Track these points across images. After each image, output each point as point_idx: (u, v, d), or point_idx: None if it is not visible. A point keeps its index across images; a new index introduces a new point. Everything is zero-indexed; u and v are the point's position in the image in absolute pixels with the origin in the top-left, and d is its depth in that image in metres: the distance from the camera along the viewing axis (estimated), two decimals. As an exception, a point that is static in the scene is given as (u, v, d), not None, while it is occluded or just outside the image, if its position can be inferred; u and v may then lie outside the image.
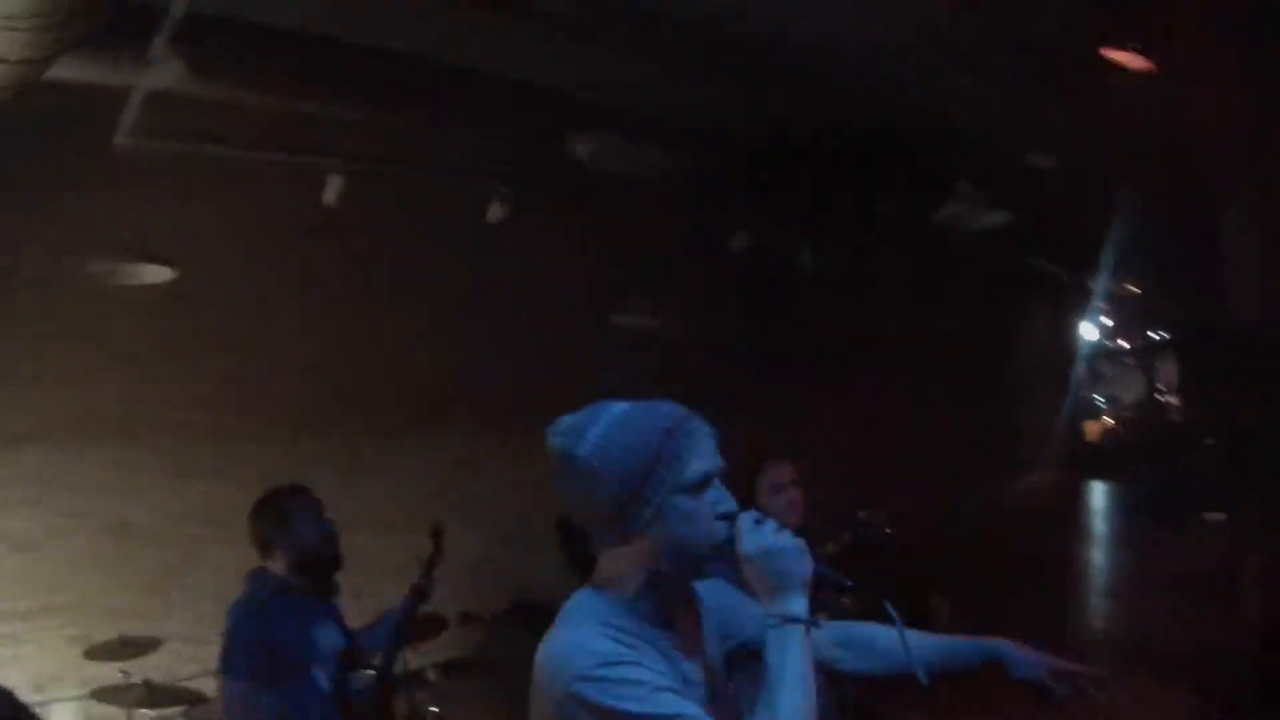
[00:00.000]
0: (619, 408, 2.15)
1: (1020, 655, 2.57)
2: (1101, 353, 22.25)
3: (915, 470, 13.68)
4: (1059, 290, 17.59)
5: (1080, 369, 19.57)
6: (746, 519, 2.12)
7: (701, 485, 2.09)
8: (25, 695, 7.05)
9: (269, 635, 3.92)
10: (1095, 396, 22.53)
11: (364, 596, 7.09)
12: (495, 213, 8.19)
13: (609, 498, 2.04)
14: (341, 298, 8.75)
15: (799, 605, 2.06)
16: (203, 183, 7.73)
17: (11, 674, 7.22)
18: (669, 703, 1.89)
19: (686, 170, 8.15)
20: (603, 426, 2.10)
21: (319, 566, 4.21)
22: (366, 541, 8.29)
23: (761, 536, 2.08)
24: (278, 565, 4.18)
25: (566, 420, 2.17)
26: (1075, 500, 17.74)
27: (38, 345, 7.33)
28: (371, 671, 4.71)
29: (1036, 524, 15.07)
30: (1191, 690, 7.11)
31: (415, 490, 9.23)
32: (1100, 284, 16.82)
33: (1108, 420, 21.95)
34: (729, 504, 2.13)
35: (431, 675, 6.50)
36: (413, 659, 6.43)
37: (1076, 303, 18.61)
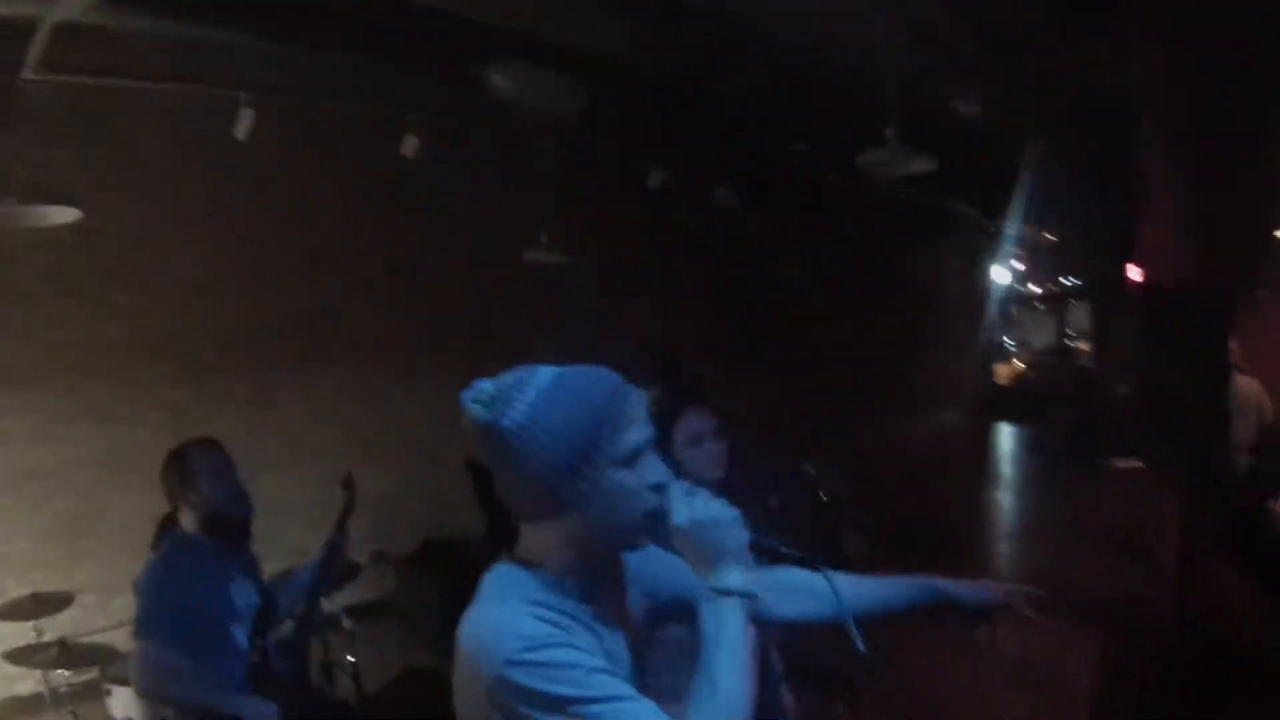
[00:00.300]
0: (548, 375, 2.00)
1: (962, 588, 2.64)
2: (1013, 297, 22.51)
3: (826, 411, 13.81)
4: (971, 234, 17.74)
5: (992, 312, 19.76)
6: (678, 490, 2.04)
7: (635, 457, 1.99)
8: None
9: (184, 596, 3.83)
10: (1006, 340, 22.81)
11: (275, 540, 7.04)
12: (409, 146, 8.06)
13: (538, 474, 1.93)
14: (248, 233, 8.64)
15: (734, 577, 2.01)
16: (108, 119, 7.56)
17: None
18: (603, 684, 1.82)
19: (601, 105, 8.04)
20: (532, 397, 1.95)
21: (229, 524, 4.11)
22: (275, 481, 8.23)
23: (694, 508, 2.01)
24: (188, 522, 4.08)
25: (488, 387, 2.00)
26: (985, 443, 17.94)
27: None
28: (289, 624, 4.64)
29: (946, 466, 15.27)
30: (1105, 636, 7.22)
31: (323, 427, 9.22)
32: (1013, 229, 17.00)
33: (1018, 364, 22.23)
34: (661, 474, 2.04)
35: (346, 622, 6.42)
36: (325, 604, 6.36)
37: (989, 247, 18.79)
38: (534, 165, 9.06)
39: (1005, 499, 13.91)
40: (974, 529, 11.72)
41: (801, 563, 2.23)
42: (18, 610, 5.95)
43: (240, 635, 4.03)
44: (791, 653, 3.83)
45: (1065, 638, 7.11)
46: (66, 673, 6.01)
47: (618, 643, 2.09)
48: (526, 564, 2.02)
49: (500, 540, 2.13)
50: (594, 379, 2.02)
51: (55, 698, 6.11)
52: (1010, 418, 19.10)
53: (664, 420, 3.37)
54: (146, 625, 3.80)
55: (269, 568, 4.58)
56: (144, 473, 7.75)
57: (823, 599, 2.30)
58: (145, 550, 4.31)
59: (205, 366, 8.50)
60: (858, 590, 2.55)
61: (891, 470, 13.38)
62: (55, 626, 6.13)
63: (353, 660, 6.39)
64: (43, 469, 7.69)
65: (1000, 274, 19.69)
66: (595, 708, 1.78)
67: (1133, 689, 5.94)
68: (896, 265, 16.04)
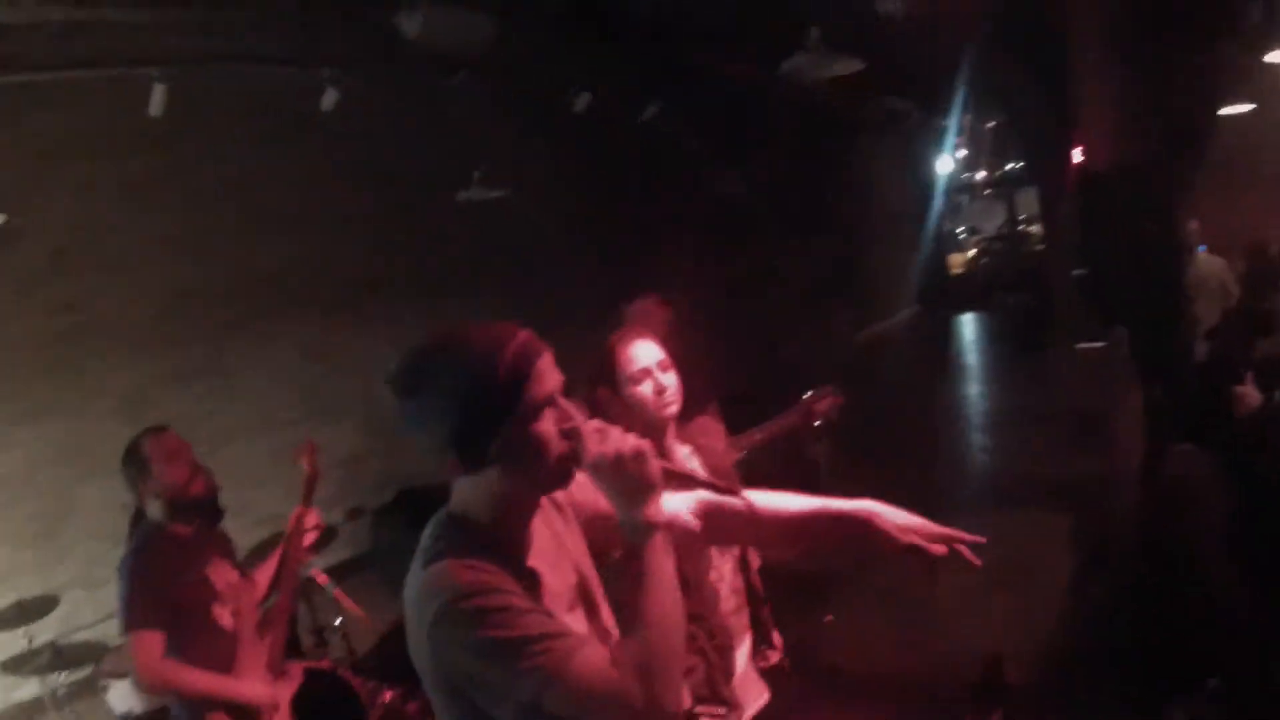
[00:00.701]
0: (451, 338, 2.02)
1: (892, 519, 2.51)
2: (959, 186, 22.50)
3: (781, 320, 13.85)
4: (911, 128, 17.70)
5: (939, 203, 19.71)
6: (590, 431, 2.04)
7: (544, 404, 1.99)
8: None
9: (162, 584, 3.82)
10: (957, 230, 22.81)
11: (248, 510, 7.02)
12: (329, 99, 7.94)
13: (450, 434, 1.95)
14: (178, 209, 8.49)
15: (651, 509, 2.03)
16: (17, 115, 7.44)
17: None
18: (532, 624, 1.84)
19: (515, 34, 7.93)
20: (437, 361, 1.99)
21: (192, 507, 4.08)
22: (240, 452, 8.22)
23: (601, 444, 2.02)
24: (154, 511, 4.06)
25: (400, 361, 2.04)
26: (945, 334, 17.95)
27: None
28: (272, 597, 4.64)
29: (907, 360, 15.35)
30: (1075, 521, 7.28)
31: (281, 391, 9.20)
32: (954, 119, 17.00)
33: (970, 252, 22.24)
34: (569, 418, 2.04)
35: (328, 587, 6.45)
36: (305, 570, 6.38)
37: (930, 139, 18.77)
38: (458, 104, 8.97)
39: (969, 389, 13.95)
40: (940, 422, 11.75)
41: (716, 490, 2.33)
42: (4, 619, 5.92)
43: (223, 615, 4.02)
44: (772, 571, 3.82)
45: (1040, 531, 7.20)
46: (62, 674, 5.98)
47: (558, 580, 2.12)
48: (458, 517, 2.06)
49: None
50: (493, 337, 2.00)
51: (55, 700, 6.09)
52: (967, 307, 19.13)
53: (607, 357, 3.33)
54: (131, 617, 3.79)
55: (245, 539, 4.58)
56: (107, 463, 7.75)
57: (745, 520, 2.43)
58: (120, 538, 4.28)
59: (154, 346, 8.41)
60: (790, 508, 2.52)
61: (854, 371, 13.48)
62: (45, 629, 6.11)
63: (340, 621, 6.43)
64: (8, 473, 7.63)
65: (945, 164, 19.64)
66: (529, 647, 1.80)
67: (1105, 573, 6.01)
68: (836, 167, 16.00)
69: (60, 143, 7.70)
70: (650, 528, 2.01)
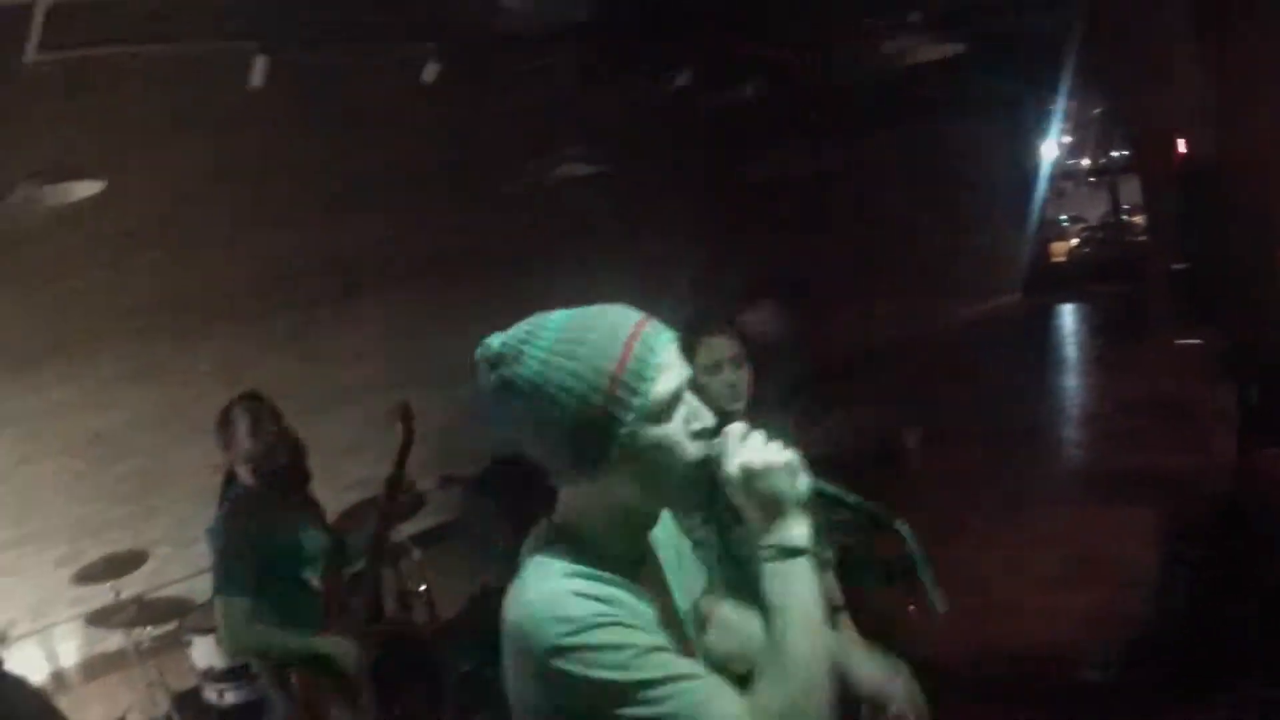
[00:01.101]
0: (558, 319, 1.73)
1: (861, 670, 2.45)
2: (1063, 172, 22.06)
3: (878, 299, 13.73)
4: (1016, 111, 17.42)
5: (1042, 189, 19.37)
6: (731, 434, 1.78)
7: (671, 405, 1.70)
8: (25, 622, 7.21)
9: (251, 548, 3.90)
10: (1060, 217, 22.33)
11: (337, 477, 7.10)
12: (430, 72, 7.92)
13: (561, 434, 1.67)
14: (270, 177, 8.59)
15: (798, 532, 1.76)
16: (117, 88, 7.57)
17: (9, 604, 7.31)
18: (657, 664, 1.60)
19: (610, 12, 7.89)
20: (544, 345, 1.69)
21: (279, 473, 4.12)
22: (330, 419, 8.32)
23: (749, 453, 1.75)
24: (244, 475, 4.11)
25: (495, 341, 1.75)
26: (1045, 323, 17.65)
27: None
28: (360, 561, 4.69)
29: (1006, 348, 15.13)
30: (1161, 516, 7.13)
31: (371, 362, 9.30)
32: (1059, 105, 16.70)
33: (1073, 241, 21.83)
34: (705, 417, 1.77)
35: (416, 552, 6.52)
36: (395, 535, 6.46)
37: (1035, 124, 18.44)
38: (553, 80, 8.97)
39: (1066, 380, 13.72)
40: (1034, 413, 11.56)
41: (871, 517, 1.97)
42: (94, 572, 6.04)
43: (312, 577, 4.06)
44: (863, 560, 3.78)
45: (1124, 526, 7.07)
46: (147, 628, 6.09)
47: (668, 605, 1.87)
48: (565, 531, 1.79)
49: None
50: (610, 319, 1.73)
51: (139, 653, 6.20)
52: (1068, 297, 18.80)
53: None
54: (220, 582, 3.89)
55: (333, 505, 4.62)
56: (200, 426, 7.90)
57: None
58: (211, 500, 4.35)
59: (248, 314, 8.60)
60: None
61: (951, 357, 13.31)
62: (132, 584, 6.23)
63: (425, 588, 6.48)
64: (107, 432, 7.85)
65: (1049, 150, 19.29)
66: (652, 691, 1.57)
67: (1188, 569, 5.88)
68: (938, 150, 15.79)
69: (159, 114, 7.83)
70: (794, 553, 1.74)
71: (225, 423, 4.12)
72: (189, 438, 7.83)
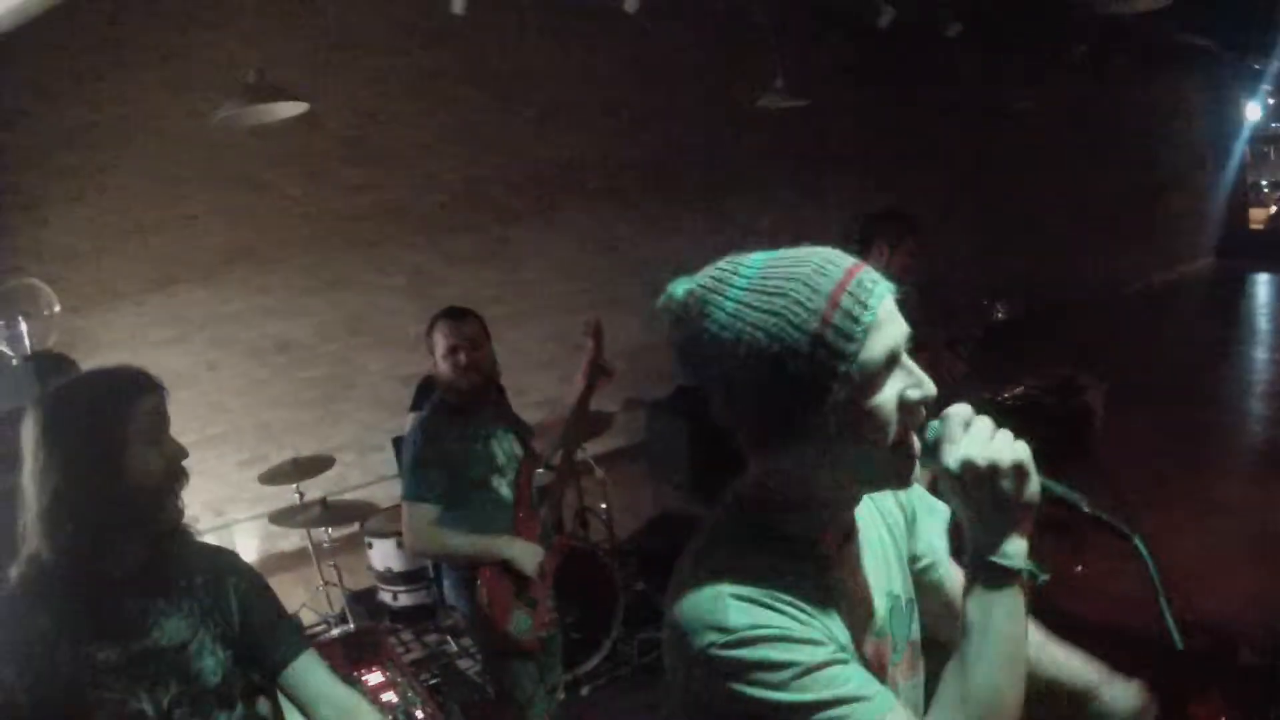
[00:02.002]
0: (755, 261, 1.47)
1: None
2: (1266, 136, 21.16)
3: (1064, 255, 13.41)
4: (1222, 69, 16.75)
5: (1243, 151, 18.58)
6: (953, 417, 1.48)
7: (888, 364, 1.41)
8: (207, 518, 7.43)
9: (445, 455, 3.91)
10: (1261, 182, 21.42)
11: (527, 391, 7.13)
12: (632, 4, 7.81)
13: (756, 394, 1.42)
14: (467, 97, 8.71)
15: (1016, 548, 1.46)
16: (320, 9, 7.71)
17: (192, 500, 7.48)
18: (820, 684, 1.38)
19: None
20: (738, 292, 1.43)
21: (469, 392, 4.06)
22: (522, 334, 8.38)
23: (971, 445, 1.45)
24: (443, 384, 4.11)
25: (680, 287, 1.52)
26: (1238, 291, 16.98)
27: (178, 190, 7.49)
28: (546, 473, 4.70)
29: (1197, 313, 14.64)
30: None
31: (565, 279, 9.31)
32: (1268, 63, 15.98)
33: (1272, 208, 20.93)
34: (925, 387, 1.45)
35: (599, 471, 6.54)
36: (580, 453, 6.49)
37: (1241, 82, 17.71)
38: (761, 10, 8.83)
39: (1256, 352, 13.17)
40: (1220, 382, 11.14)
41: (1112, 530, 1.55)
42: (280, 474, 6.14)
43: (503, 487, 4.07)
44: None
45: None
46: (329, 530, 6.20)
47: (861, 607, 1.62)
48: (750, 510, 1.57)
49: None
50: (815, 264, 1.43)
51: (318, 552, 6.33)
52: (1265, 266, 18.05)
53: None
54: (412, 487, 3.91)
55: (524, 418, 4.61)
56: (388, 335, 8.06)
57: None
58: (396, 408, 4.36)
59: (442, 230, 8.67)
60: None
61: (1140, 317, 12.89)
62: (317, 487, 6.34)
63: (605, 507, 6.52)
64: (296, 340, 8.00)
65: (1253, 111, 18.51)
66: (808, 716, 1.37)
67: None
68: (1138, 102, 15.28)
69: (358, 36, 8.04)
70: (1009, 572, 1.46)
71: (429, 336, 4.11)
72: (376, 348, 8.04)
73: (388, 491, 7.26)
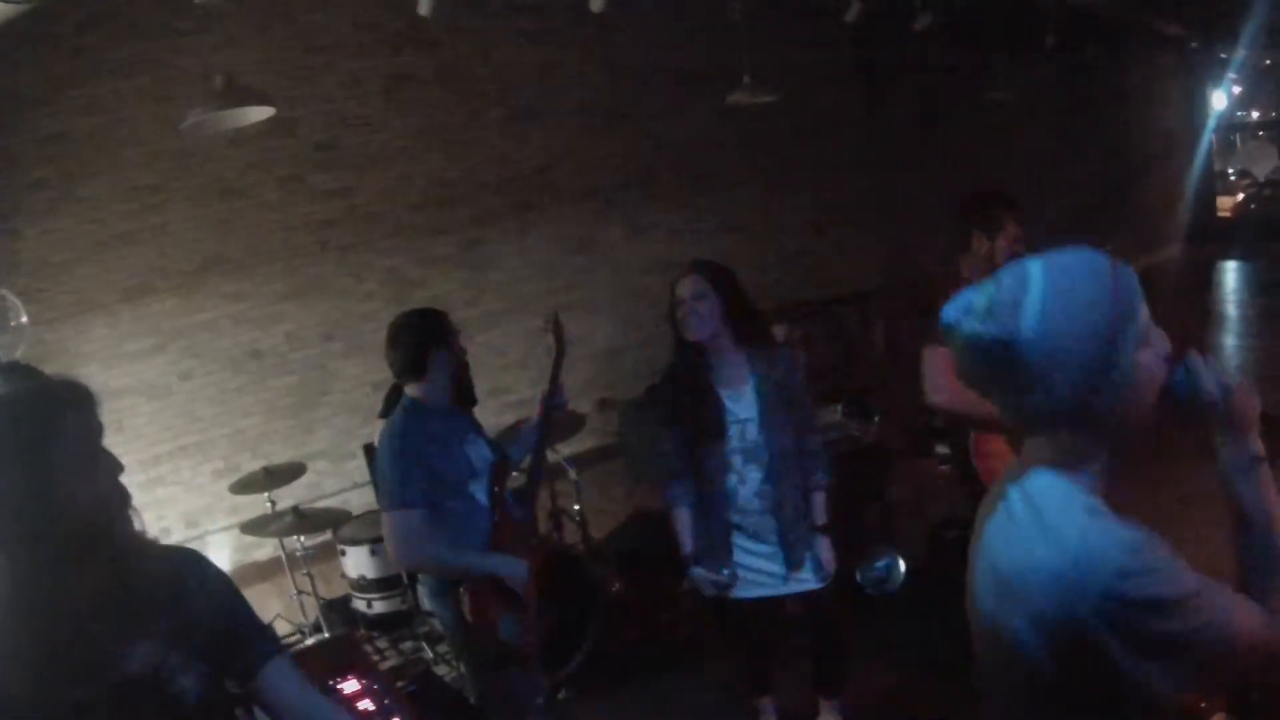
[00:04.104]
0: (1041, 267, 1.71)
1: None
2: (1232, 124, 21.27)
3: (1036, 244, 13.43)
4: (1189, 57, 16.84)
5: (1210, 140, 18.67)
6: (1196, 359, 1.84)
7: (1150, 329, 1.73)
8: (180, 530, 7.41)
9: (422, 461, 3.83)
10: (1228, 170, 21.51)
11: (504, 392, 7.12)
12: (597, 4, 7.81)
13: (1074, 381, 1.67)
14: (439, 100, 8.73)
15: (1255, 440, 1.85)
16: (293, 13, 7.76)
17: (165, 511, 7.52)
18: (1190, 578, 1.61)
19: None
20: (1041, 297, 1.67)
21: (450, 389, 4.09)
22: (497, 336, 8.37)
23: (1217, 375, 1.83)
24: (412, 389, 4.09)
25: (974, 300, 1.74)
26: (1206, 279, 17.04)
27: (149, 199, 7.48)
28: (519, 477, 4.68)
29: (1167, 301, 14.72)
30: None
31: (539, 279, 9.28)
32: (1232, 53, 16.11)
33: (1239, 196, 21.04)
34: (1166, 343, 1.77)
35: (571, 472, 6.54)
36: (552, 455, 6.49)
37: (1209, 71, 17.81)
38: (729, 6, 8.85)
39: (1225, 339, 13.21)
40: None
41: None
42: (253, 483, 6.12)
43: (480, 492, 4.03)
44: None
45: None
46: (301, 538, 6.17)
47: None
48: (1064, 470, 1.76)
49: None
50: (1093, 264, 1.70)
51: (292, 561, 6.31)
52: (1233, 253, 18.14)
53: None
54: (392, 496, 3.82)
55: (499, 420, 4.63)
56: (362, 340, 8.04)
57: None
58: (370, 414, 4.34)
59: (415, 233, 8.66)
60: None
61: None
62: (289, 495, 6.33)
63: (578, 508, 6.55)
64: (269, 348, 7.99)
65: (1219, 100, 18.58)
66: (1194, 602, 1.58)
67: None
68: (1108, 89, 15.34)
69: (330, 40, 8.06)
70: (1256, 460, 1.84)
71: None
72: (350, 354, 8.04)
73: (362, 498, 7.30)
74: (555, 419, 4.64)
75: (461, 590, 3.85)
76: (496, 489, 4.07)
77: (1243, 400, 1.83)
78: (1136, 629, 1.58)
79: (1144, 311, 1.71)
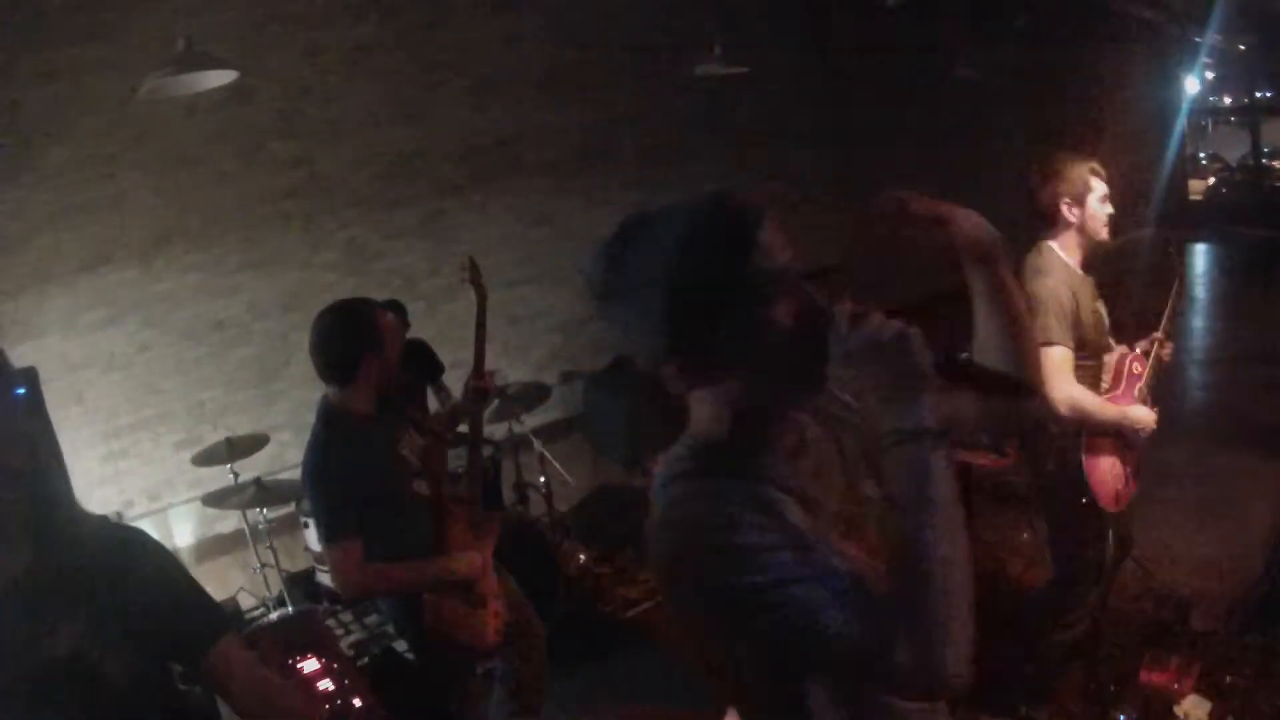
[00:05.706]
0: (655, 215, 1.64)
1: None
2: (1204, 109, 21.35)
3: (1007, 225, 13.44)
4: (1161, 41, 16.85)
5: (1182, 124, 18.72)
6: (841, 313, 1.57)
7: (774, 287, 1.57)
8: (142, 504, 7.32)
9: (354, 479, 3.53)
10: (1199, 154, 21.60)
11: (461, 365, 7.04)
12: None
13: (670, 337, 1.59)
14: (400, 70, 8.60)
15: (922, 412, 1.54)
16: None
17: (127, 485, 7.42)
18: (779, 566, 1.49)
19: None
20: (644, 245, 1.61)
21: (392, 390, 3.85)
22: (456, 309, 8.30)
23: (860, 330, 1.55)
24: (338, 396, 3.74)
25: (601, 247, 1.67)
26: (1178, 261, 17.08)
27: (107, 168, 7.33)
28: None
29: (1137, 283, 14.77)
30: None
31: (499, 251, 9.07)
32: (1205, 36, 16.12)
33: (1210, 180, 21.14)
34: (812, 300, 1.62)
35: (536, 444, 6.51)
36: (517, 427, 6.44)
37: (1181, 55, 17.82)
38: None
39: (1195, 321, 13.27)
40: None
41: (1004, 386, 1.82)
42: (215, 455, 6.06)
43: (420, 485, 3.79)
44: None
45: (1244, 474, 6.81)
46: (264, 510, 6.09)
47: (823, 493, 1.72)
48: (698, 438, 1.71)
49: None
50: (708, 212, 1.61)
51: (255, 534, 6.24)
52: (1203, 236, 18.23)
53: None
54: (329, 529, 3.55)
55: (458, 394, 4.51)
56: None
57: None
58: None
59: (376, 205, 8.56)
60: None
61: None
62: (252, 466, 6.25)
63: (544, 480, 6.50)
64: (229, 319, 7.89)
65: (1191, 84, 18.63)
66: (773, 594, 1.48)
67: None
68: (1080, 71, 15.35)
69: (291, 8, 7.92)
70: (918, 436, 1.53)
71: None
72: (310, 325, 7.90)
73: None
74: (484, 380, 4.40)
75: (423, 603, 3.65)
76: (434, 474, 3.86)
77: (897, 359, 1.56)
78: (692, 602, 1.61)
79: (770, 262, 1.58)
